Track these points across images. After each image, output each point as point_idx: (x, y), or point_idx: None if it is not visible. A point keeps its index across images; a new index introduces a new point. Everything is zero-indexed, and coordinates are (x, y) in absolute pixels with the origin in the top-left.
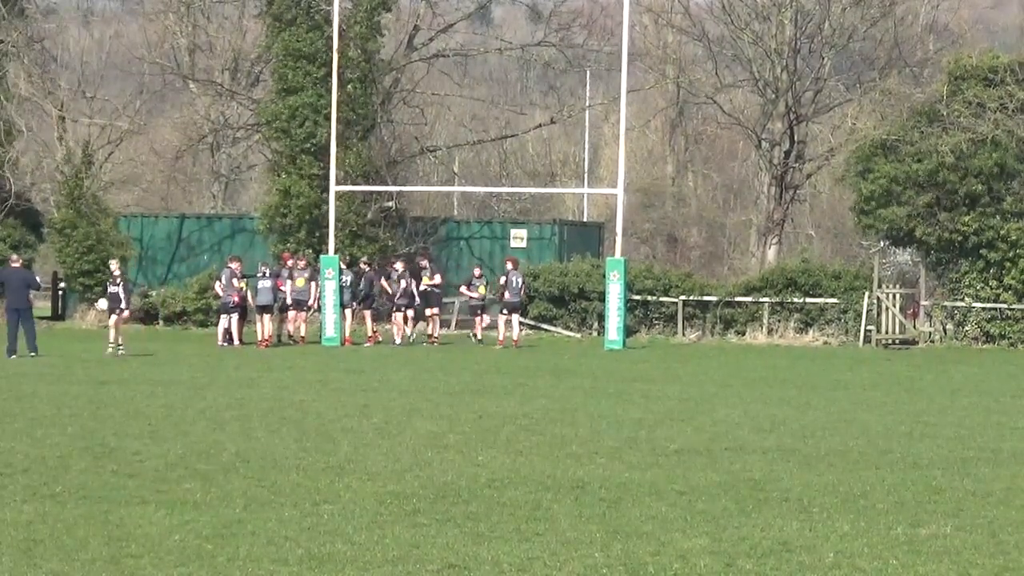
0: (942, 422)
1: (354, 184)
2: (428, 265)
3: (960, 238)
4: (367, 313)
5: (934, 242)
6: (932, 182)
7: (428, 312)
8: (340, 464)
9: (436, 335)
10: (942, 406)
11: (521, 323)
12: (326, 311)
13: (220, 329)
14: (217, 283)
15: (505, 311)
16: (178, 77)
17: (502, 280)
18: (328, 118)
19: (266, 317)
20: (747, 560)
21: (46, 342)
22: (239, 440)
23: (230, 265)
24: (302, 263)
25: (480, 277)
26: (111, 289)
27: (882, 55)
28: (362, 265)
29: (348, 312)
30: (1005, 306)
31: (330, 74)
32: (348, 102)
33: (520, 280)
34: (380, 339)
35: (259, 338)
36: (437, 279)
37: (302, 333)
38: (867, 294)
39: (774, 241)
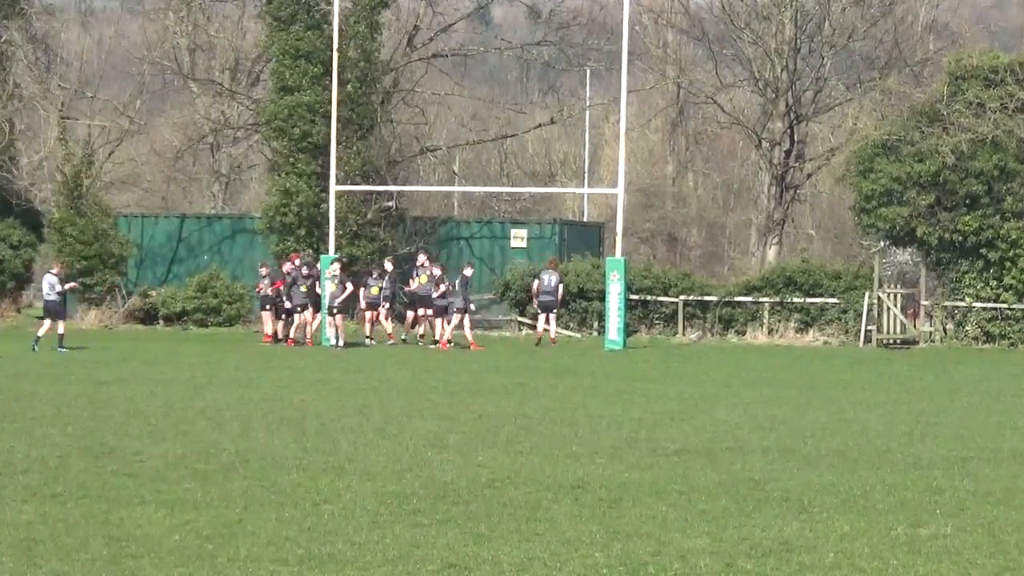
0: (942, 422)
1: (354, 184)
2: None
3: (960, 238)
4: (370, 314)
5: (935, 242)
6: (933, 182)
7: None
8: (340, 464)
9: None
10: (942, 406)
11: (520, 323)
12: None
13: (292, 328)
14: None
15: (540, 310)
16: (178, 77)
17: (535, 285)
18: (326, 117)
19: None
20: (747, 560)
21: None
22: (239, 440)
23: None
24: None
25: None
26: None
27: (882, 55)
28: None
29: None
30: (1005, 306)
31: (328, 73)
32: (347, 101)
33: (553, 279)
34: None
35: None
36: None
37: (307, 335)
38: (867, 294)
39: (774, 241)
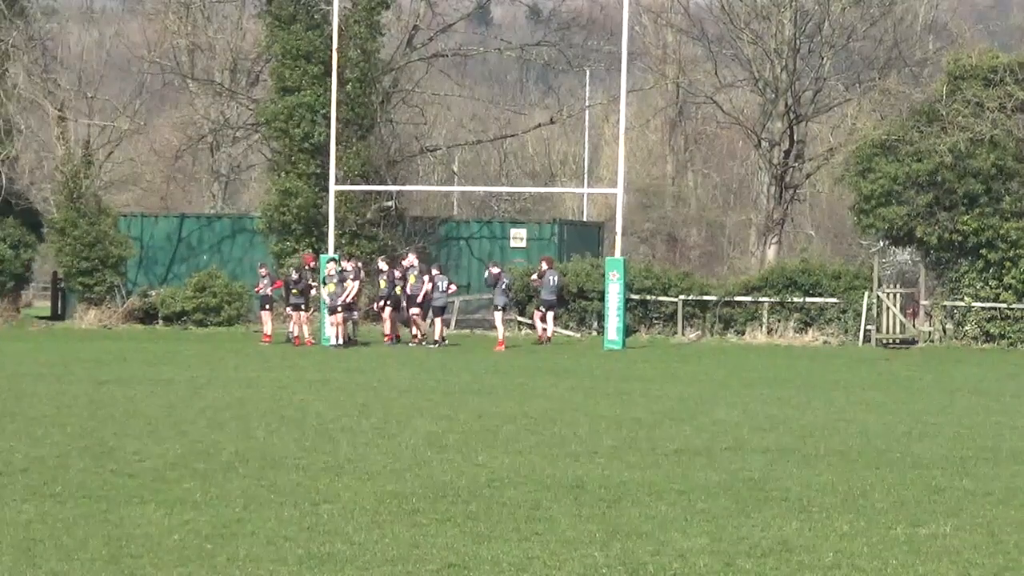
0: (942, 422)
1: (353, 184)
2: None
3: (960, 238)
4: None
5: (934, 242)
6: (932, 182)
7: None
8: (340, 464)
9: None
10: (942, 406)
11: (520, 323)
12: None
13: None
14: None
15: (542, 308)
16: (178, 77)
17: (534, 276)
18: (326, 117)
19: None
20: (747, 560)
21: (46, 342)
22: (238, 440)
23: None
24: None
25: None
26: None
27: (882, 55)
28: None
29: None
30: (1005, 306)
31: (328, 73)
32: (347, 102)
33: (556, 279)
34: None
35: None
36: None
37: (307, 335)
38: (867, 294)
39: (774, 241)
